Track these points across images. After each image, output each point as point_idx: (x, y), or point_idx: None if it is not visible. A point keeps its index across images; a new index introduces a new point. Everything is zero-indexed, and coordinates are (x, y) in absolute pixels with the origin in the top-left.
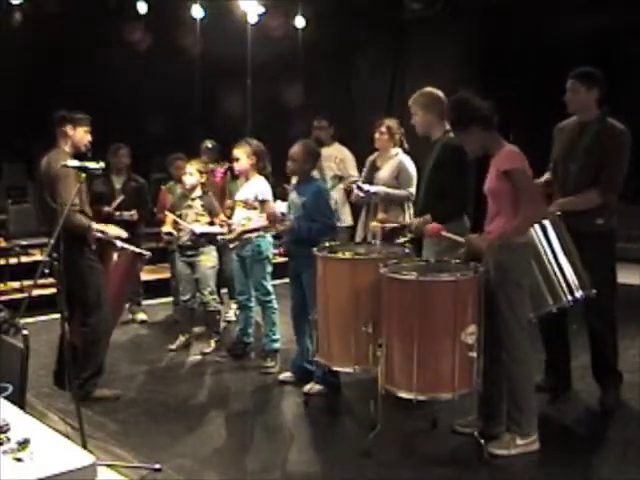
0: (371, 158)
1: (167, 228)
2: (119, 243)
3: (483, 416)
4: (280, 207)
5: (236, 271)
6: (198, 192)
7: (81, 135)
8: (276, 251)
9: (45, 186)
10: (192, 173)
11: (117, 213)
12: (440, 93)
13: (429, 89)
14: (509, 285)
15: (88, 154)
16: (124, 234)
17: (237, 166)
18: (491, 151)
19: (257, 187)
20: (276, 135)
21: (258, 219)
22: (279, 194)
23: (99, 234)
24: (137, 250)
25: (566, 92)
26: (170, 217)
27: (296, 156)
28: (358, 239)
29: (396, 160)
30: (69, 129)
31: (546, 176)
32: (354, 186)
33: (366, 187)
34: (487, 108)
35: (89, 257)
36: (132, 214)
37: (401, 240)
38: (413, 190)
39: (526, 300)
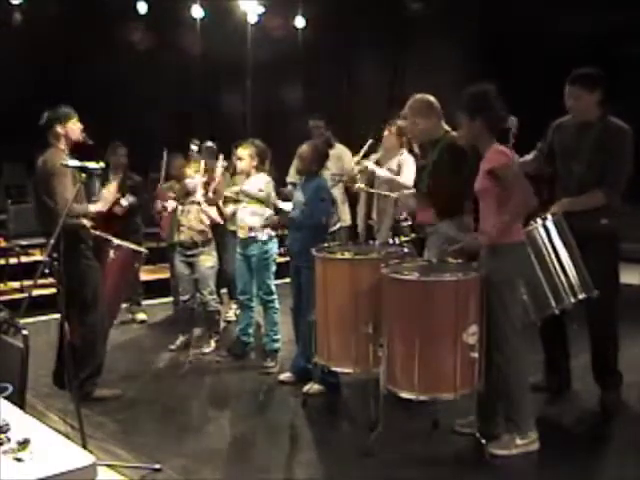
0: (375, 157)
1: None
2: (116, 241)
3: (482, 417)
4: (283, 206)
5: (240, 270)
6: (200, 193)
7: (72, 128)
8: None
9: (41, 185)
10: (194, 175)
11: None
12: (428, 95)
13: (419, 96)
14: (502, 286)
15: (88, 142)
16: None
17: (240, 165)
18: (482, 150)
19: (259, 182)
20: (275, 135)
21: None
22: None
23: (98, 233)
24: (134, 247)
25: (566, 97)
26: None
27: (304, 155)
28: (360, 231)
29: (400, 157)
30: (59, 128)
31: (531, 156)
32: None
33: (371, 165)
34: (502, 114)
35: (86, 256)
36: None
37: (403, 239)
38: (410, 183)
39: (519, 301)
